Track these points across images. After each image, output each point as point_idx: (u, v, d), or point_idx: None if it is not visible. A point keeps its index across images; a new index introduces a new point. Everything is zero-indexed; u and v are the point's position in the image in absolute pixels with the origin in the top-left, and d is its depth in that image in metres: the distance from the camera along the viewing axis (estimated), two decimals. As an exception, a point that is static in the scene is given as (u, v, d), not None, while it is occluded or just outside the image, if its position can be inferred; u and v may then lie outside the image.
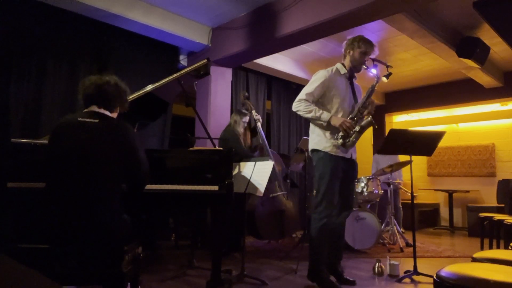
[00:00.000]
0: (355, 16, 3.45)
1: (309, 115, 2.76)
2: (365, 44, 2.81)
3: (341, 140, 2.73)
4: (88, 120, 1.81)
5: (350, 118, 2.76)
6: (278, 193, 4.16)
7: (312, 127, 2.91)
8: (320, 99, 2.84)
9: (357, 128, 2.74)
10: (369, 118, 2.75)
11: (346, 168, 2.86)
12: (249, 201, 3.94)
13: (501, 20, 3.86)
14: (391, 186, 4.84)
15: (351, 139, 2.74)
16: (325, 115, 2.73)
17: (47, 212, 1.74)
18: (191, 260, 3.30)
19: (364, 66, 2.85)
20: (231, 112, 4.79)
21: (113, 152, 1.80)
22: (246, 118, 4.04)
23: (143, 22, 4.00)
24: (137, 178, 1.96)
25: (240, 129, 4.01)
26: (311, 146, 2.89)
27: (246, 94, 4.21)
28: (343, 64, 2.92)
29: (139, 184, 2.01)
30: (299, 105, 2.79)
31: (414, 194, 5.30)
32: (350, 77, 2.94)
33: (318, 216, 2.74)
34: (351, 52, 2.85)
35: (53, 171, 1.79)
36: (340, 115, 2.80)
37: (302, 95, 2.80)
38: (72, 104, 3.80)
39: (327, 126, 2.77)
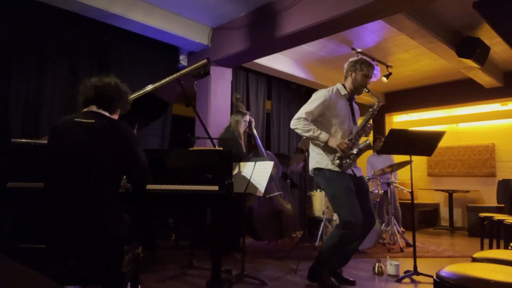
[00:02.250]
0: (355, 16, 3.45)
1: (307, 134, 2.74)
2: (368, 67, 2.82)
3: (337, 161, 2.71)
4: (84, 120, 1.80)
5: (349, 140, 2.74)
6: (275, 193, 4.17)
7: (312, 145, 2.90)
8: (320, 119, 2.82)
9: (354, 151, 2.72)
10: (367, 141, 2.74)
11: (356, 184, 2.78)
12: (246, 202, 3.94)
13: (501, 20, 3.86)
14: (391, 186, 4.84)
15: (348, 160, 2.71)
16: (323, 136, 2.70)
17: (47, 212, 1.74)
18: (191, 260, 3.30)
19: (365, 89, 2.85)
20: (231, 112, 4.79)
21: (111, 151, 1.79)
22: (247, 117, 4.04)
23: (143, 22, 4.00)
24: (137, 176, 1.96)
25: (241, 129, 4.00)
26: (312, 164, 2.85)
27: (238, 96, 4.22)
28: (343, 85, 2.92)
29: (140, 181, 2.01)
30: (298, 123, 2.76)
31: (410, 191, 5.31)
32: (350, 98, 2.93)
33: (339, 233, 2.64)
34: (353, 74, 2.84)
35: (52, 172, 1.79)
36: (339, 136, 2.79)
37: (301, 113, 2.78)
38: (72, 104, 3.79)
39: (325, 146, 2.75)
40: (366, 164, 5.77)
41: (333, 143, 2.68)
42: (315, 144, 2.84)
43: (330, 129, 2.80)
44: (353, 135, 2.78)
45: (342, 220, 2.64)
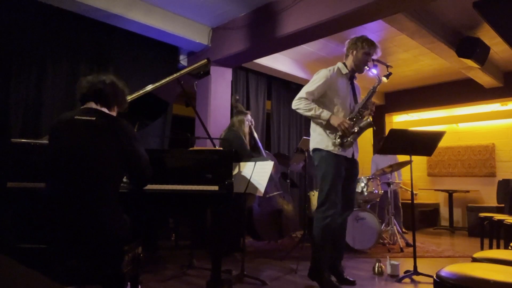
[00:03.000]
0: (355, 16, 3.45)
1: (308, 113, 2.76)
2: (369, 45, 2.82)
3: (339, 140, 2.74)
4: (84, 117, 1.80)
5: (350, 119, 2.77)
6: (275, 193, 4.16)
7: (313, 125, 2.91)
8: (321, 99, 2.84)
9: (355, 129, 2.74)
10: (368, 120, 2.76)
11: (348, 167, 2.86)
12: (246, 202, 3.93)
13: (501, 20, 3.86)
14: (391, 186, 4.84)
15: (349, 139, 2.74)
16: (325, 114, 2.73)
17: (47, 212, 1.74)
18: (191, 260, 3.30)
19: (366, 66, 2.86)
20: (231, 112, 4.79)
21: (112, 149, 1.79)
22: (249, 117, 4.04)
23: (143, 22, 4.00)
24: (139, 173, 1.95)
25: (246, 129, 3.98)
26: (313, 145, 2.88)
27: (237, 97, 4.22)
28: (344, 64, 2.92)
29: (141, 178, 2.00)
30: (299, 103, 2.79)
31: (414, 192, 5.32)
32: (351, 77, 2.94)
33: (321, 215, 2.73)
34: (354, 52, 2.85)
35: (52, 171, 1.79)
36: (341, 115, 2.81)
37: (302, 93, 2.80)
38: (72, 104, 3.79)
39: (327, 125, 2.77)
40: (371, 164, 5.76)
41: (334, 121, 2.71)
42: (317, 124, 2.86)
43: (332, 108, 2.82)
44: (355, 114, 2.79)
45: (320, 200, 2.77)
